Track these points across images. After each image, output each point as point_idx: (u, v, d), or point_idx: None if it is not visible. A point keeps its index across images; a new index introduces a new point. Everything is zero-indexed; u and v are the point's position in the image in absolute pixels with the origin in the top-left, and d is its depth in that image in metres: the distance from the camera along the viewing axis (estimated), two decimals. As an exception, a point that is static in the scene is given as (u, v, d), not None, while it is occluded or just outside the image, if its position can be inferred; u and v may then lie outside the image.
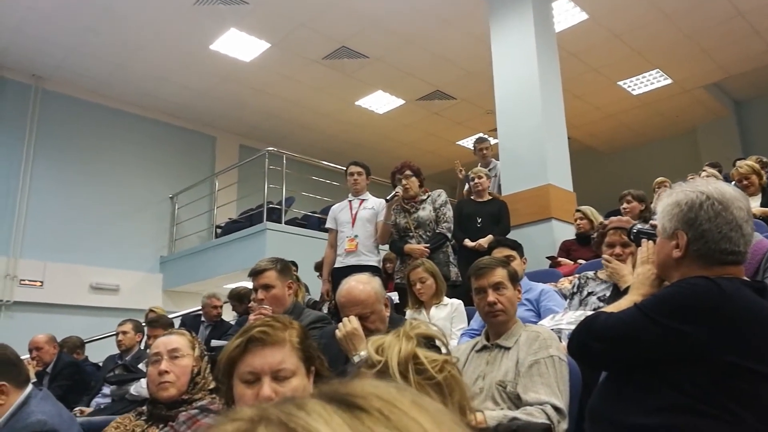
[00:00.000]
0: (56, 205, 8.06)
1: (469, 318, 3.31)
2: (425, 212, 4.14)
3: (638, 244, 1.73)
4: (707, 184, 1.42)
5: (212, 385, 1.81)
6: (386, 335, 1.12)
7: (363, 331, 2.04)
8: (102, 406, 4.17)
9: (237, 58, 7.90)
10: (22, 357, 2.28)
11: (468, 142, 11.08)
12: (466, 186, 4.14)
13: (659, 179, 5.96)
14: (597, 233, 2.80)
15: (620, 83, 9.02)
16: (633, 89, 9.23)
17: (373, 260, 4.18)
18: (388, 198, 4.06)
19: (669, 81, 8.95)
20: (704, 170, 5.55)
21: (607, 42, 7.77)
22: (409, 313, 3.42)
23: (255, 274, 2.79)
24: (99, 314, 7.86)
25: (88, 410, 4.17)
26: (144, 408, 1.84)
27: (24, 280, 7.57)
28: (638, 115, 10.11)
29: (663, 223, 1.45)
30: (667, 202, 1.45)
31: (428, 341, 1.18)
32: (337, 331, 2.06)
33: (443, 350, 1.19)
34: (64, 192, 8.17)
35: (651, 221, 3.54)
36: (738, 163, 5.02)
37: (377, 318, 2.15)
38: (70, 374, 4.78)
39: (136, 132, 9.07)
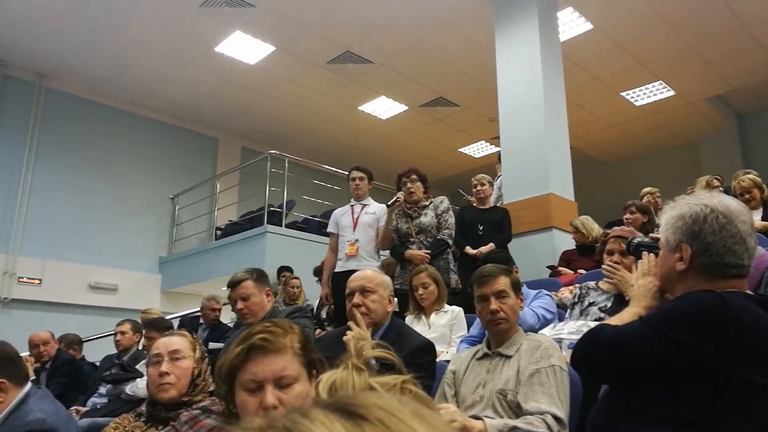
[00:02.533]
0: (57, 203, 8.06)
1: (468, 325, 3.32)
2: (427, 218, 4.15)
3: (638, 257, 1.72)
4: (711, 198, 1.41)
5: (212, 387, 1.80)
6: (335, 371, 1.04)
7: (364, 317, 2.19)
8: (98, 406, 4.16)
9: (241, 61, 7.92)
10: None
11: (470, 150, 11.11)
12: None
13: (646, 189, 5.87)
14: (600, 242, 2.80)
15: (623, 94, 9.03)
16: (636, 100, 9.24)
17: (374, 265, 4.17)
18: (389, 203, 4.07)
19: (672, 93, 8.97)
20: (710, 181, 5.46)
21: (610, 52, 7.79)
22: (408, 318, 3.42)
23: (232, 285, 2.83)
24: (97, 313, 7.86)
25: (84, 409, 4.16)
26: (143, 409, 1.84)
27: (22, 278, 7.57)
28: (640, 126, 10.12)
29: (667, 236, 1.44)
30: (671, 214, 1.45)
31: (380, 360, 1.13)
32: (345, 337, 2.05)
33: (395, 365, 1.14)
34: (65, 190, 8.17)
35: (651, 234, 3.54)
36: (740, 176, 4.99)
37: (378, 300, 2.24)
38: (68, 371, 4.77)
39: (139, 132, 9.09)
